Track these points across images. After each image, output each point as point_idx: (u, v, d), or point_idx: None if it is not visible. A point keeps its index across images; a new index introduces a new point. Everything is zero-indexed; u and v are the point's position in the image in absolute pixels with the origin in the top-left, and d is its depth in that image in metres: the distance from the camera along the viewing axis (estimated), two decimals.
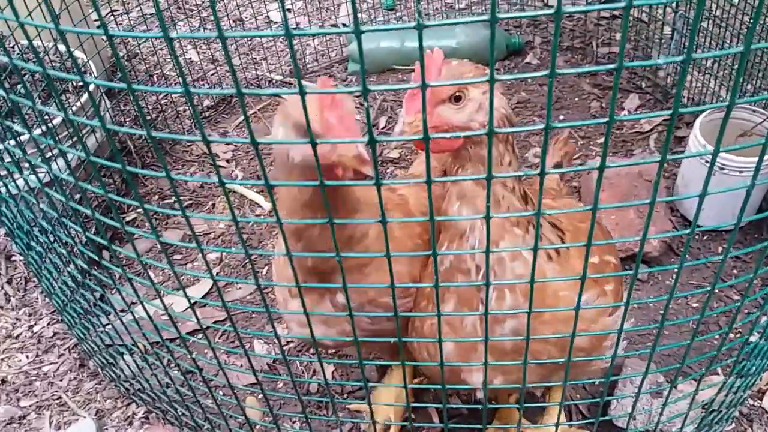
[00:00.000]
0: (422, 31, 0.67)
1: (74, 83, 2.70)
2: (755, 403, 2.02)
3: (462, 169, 1.29)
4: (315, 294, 1.52)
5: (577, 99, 3.28)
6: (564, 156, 2.21)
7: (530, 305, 0.98)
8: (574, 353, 1.06)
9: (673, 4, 3.04)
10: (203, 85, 3.59)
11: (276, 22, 3.96)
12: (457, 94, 1.21)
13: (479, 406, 1.22)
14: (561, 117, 3.18)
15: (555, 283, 1.37)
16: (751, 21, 0.67)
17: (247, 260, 1.00)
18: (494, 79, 0.71)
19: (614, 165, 0.84)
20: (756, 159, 0.85)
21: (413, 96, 1.18)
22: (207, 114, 3.45)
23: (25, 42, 2.64)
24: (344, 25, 4.04)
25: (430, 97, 1.16)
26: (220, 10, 3.90)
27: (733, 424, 1.97)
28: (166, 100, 3.37)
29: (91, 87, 2.44)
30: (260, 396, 2.10)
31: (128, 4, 4.12)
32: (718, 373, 2.08)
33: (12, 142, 1.33)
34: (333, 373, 2.22)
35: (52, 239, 1.53)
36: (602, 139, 2.96)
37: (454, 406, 1.97)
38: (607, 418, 1.61)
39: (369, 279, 1.44)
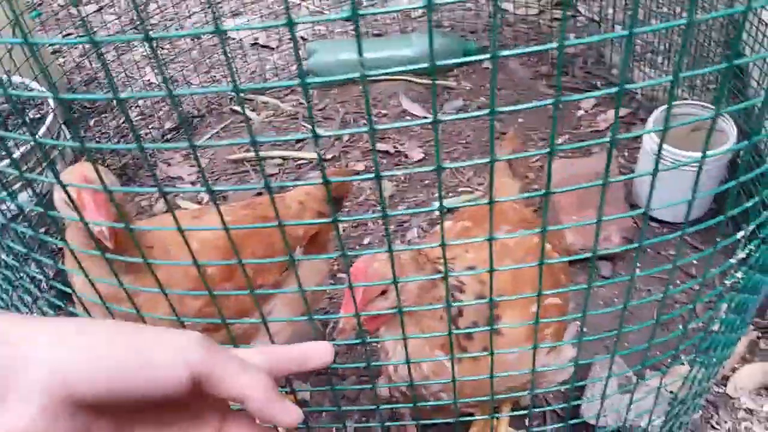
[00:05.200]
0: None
1: (30, 116, 2.67)
2: (720, 390, 2.09)
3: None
4: None
5: (534, 101, 3.34)
6: (511, 153, 2.18)
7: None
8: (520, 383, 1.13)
9: (622, 5, 3.13)
10: (163, 107, 3.57)
11: (234, 39, 3.96)
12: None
13: (452, 420, 1.25)
14: (520, 120, 3.24)
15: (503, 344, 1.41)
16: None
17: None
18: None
19: (565, 146, 0.87)
20: (705, 153, 0.89)
21: (348, 301, 1.29)
22: (169, 136, 3.43)
23: None
24: (303, 39, 4.05)
25: (363, 298, 1.34)
26: (177, 29, 3.89)
27: (700, 412, 2.03)
28: (125, 125, 3.35)
29: (49, 120, 2.42)
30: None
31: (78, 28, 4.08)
32: (684, 364, 2.14)
33: None
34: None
35: (19, 275, 1.52)
36: (561, 140, 3.02)
37: (430, 421, 1.99)
38: (578, 420, 1.65)
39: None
